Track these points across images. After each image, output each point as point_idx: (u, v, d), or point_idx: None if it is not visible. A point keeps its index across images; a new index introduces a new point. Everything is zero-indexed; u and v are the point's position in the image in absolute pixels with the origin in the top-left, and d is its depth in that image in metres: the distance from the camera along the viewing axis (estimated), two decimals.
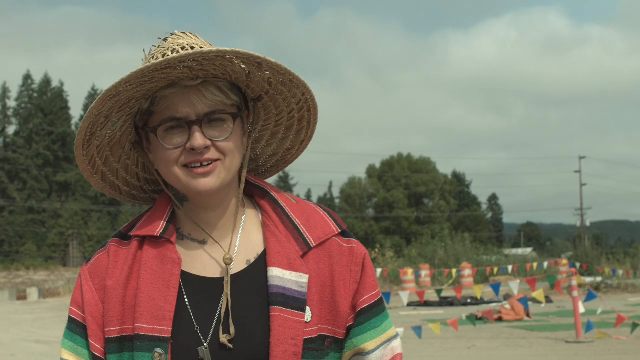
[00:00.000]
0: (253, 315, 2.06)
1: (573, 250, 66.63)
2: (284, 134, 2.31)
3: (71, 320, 2.18)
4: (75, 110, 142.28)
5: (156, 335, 2.01)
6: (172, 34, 2.14)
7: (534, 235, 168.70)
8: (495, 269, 33.94)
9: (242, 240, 2.18)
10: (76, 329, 2.16)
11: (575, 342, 18.44)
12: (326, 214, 2.23)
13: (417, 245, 64.63)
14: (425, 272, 40.35)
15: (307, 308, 2.07)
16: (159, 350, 2.00)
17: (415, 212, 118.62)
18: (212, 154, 2.06)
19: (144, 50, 2.16)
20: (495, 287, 18.72)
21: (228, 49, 1.94)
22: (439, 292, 19.92)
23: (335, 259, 2.15)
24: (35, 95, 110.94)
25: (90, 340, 2.12)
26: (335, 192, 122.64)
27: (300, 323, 2.04)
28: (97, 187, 2.30)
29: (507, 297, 30.00)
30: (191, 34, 2.15)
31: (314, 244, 2.14)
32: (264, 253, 2.14)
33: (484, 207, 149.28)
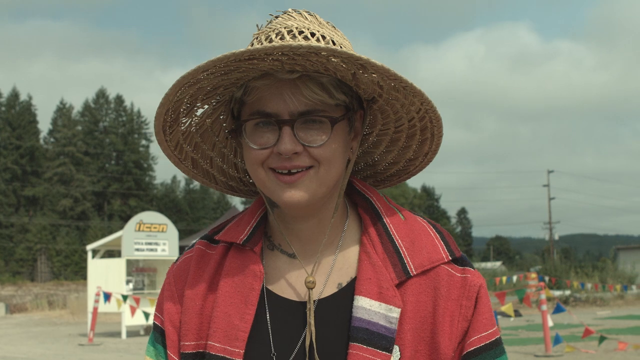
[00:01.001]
0: (330, 351, 1.80)
1: (542, 263, 66.78)
2: (405, 142, 1.98)
3: (154, 327, 2.00)
4: (44, 124, 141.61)
5: (227, 357, 1.81)
6: (285, 12, 1.86)
7: (503, 249, 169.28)
8: None
9: (339, 258, 1.90)
10: (158, 336, 1.98)
11: (544, 356, 18.47)
12: (438, 236, 1.90)
13: None
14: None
15: (396, 347, 1.77)
16: None
17: None
18: (303, 160, 1.78)
19: (257, 26, 1.88)
20: None
21: (322, 45, 1.65)
22: None
23: (442, 291, 1.81)
24: (3, 108, 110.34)
25: (168, 352, 1.94)
26: None
27: None
28: (187, 174, 2.05)
29: None
30: (308, 13, 1.86)
31: (415, 272, 1.82)
32: (355, 278, 1.86)
33: (453, 220, 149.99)
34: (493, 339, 1.84)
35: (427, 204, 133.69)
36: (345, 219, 1.94)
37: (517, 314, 33.02)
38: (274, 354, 1.82)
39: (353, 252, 1.90)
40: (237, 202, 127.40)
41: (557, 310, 18.87)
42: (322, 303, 1.84)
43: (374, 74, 1.74)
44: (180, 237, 30.82)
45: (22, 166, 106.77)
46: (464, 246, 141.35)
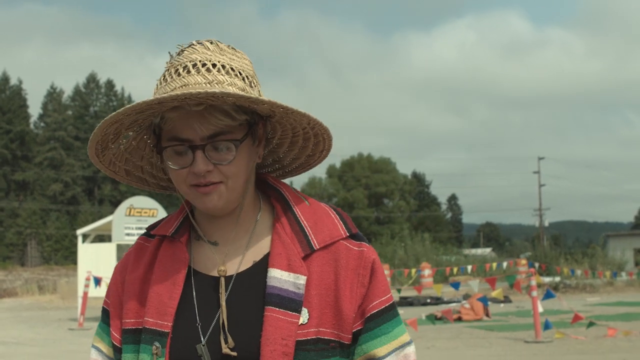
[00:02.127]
0: (249, 315, 2.09)
1: (532, 250, 67.04)
2: (303, 144, 2.32)
3: (102, 310, 2.35)
4: (34, 109, 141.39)
5: (157, 329, 2.11)
6: (190, 44, 2.16)
7: (493, 236, 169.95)
8: (455, 269, 34.08)
9: (253, 240, 2.22)
10: (104, 317, 2.32)
11: (534, 341, 18.51)
12: (337, 216, 2.24)
13: (376, 245, 64.72)
14: (385, 272, 40.38)
15: (304, 310, 2.07)
16: (156, 343, 2.09)
17: (375, 212, 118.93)
18: (215, 176, 2.10)
19: (169, 53, 2.19)
20: (455, 285, 18.79)
21: (217, 90, 1.97)
22: (398, 291, 19.95)
23: (341, 262, 2.14)
24: None
25: (111, 330, 2.26)
26: None
27: (293, 324, 2.05)
28: (122, 181, 2.39)
29: (466, 296, 30.12)
30: (210, 43, 2.16)
31: (318, 246, 2.14)
32: (269, 254, 2.17)
33: (444, 207, 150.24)
34: (390, 302, 2.18)
35: (418, 190, 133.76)
36: (258, 209, 2.28)
37: (507, 300, 33.11)
38: (199, 324, 2.10)
39: (266, 234, 2.22)
40: None
41: (547, 296, 18.93)
42: (239, 276, 2.15)
43: (264, 104, 2.06)
44: None
45: (12, 151, 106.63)
46: (454, 232, 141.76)
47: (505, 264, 36.63)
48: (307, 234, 2.16)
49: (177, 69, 2.11)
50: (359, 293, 2.12)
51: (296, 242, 2.15)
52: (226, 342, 2.05)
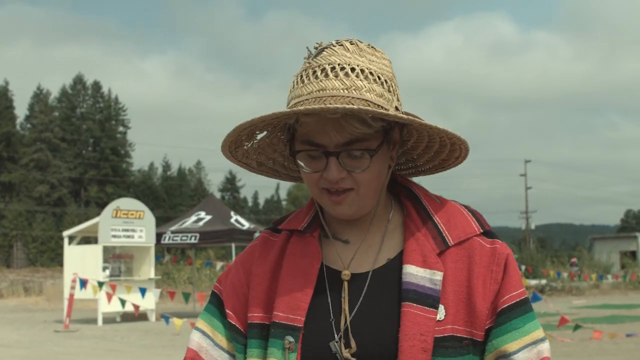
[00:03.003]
0: (386, 311, 2.06)
1: (518, 253, 67.16)
2: (439, 149, 2.27)
3: (212, 295, 2.31)
4: (20, 110, 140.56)
5: (289, 323, 2.08)
6: (330, 45, 2.12)
7: None
8: None
9: (386, 240, 2.19)
10: (214, 300, 2.29)
11: None
12: (470, 214, 2.21)
13: None
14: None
15: (441, 306, 2.05)
16: (289, 338, 2.07)
17: None
18: (346, 183, 2.07)
19: (307, 48, 2.16)
20: None
21: (355, 107, 1.92)
22: None
23: (475, 259, 2.11)
24: None
25: (227, 311, 2.23)
26: (282, 194, 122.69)
27: (431, 320, 2.02)
28: (254, 172, 2.38)
29: None
30: (350, 43, 2.12)
31: (452, 243, 2.11)
32: (403, 252, 2.14)
33: None
34: (522, 297, 2.11)
35: None
36: (390, 208, 2.24)
37: None
38: (332, 320, 2.08)
39: (398, 232, 2.19)
40: (214, 190, 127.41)
41: (534, 299, 18.91)
42: (375, 273, 2.13)
43: (402, 120, 2.03)
44: (157, 224, 30.70)
45: None
46: None
47: None
48: (441, 230, 2.14)
49: (315, 71, 2.08)
50: (492, 289, 2.09)
51: (430, 238, 2.12)
52: (347, 347, 2.04)
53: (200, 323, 2.27)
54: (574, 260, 55.96)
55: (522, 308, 2.11)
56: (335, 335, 2.06)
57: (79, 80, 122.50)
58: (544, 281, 44.61)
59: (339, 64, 2.06)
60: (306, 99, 2.03)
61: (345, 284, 2.11)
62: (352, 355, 2.03)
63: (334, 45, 2.11)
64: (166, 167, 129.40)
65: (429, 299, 2.03)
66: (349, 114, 1.99)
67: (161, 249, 39.54)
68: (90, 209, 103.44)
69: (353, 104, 1.96)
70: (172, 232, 29.83)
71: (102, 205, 69.31)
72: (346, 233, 2.21)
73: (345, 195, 2.08)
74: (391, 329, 2.03)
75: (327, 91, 2.02)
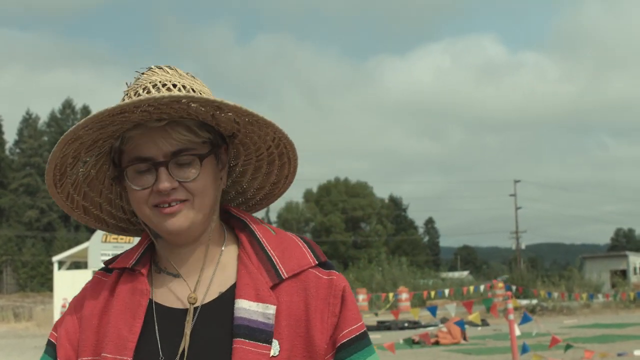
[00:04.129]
0: (217, 348, 2.00)
1: (509, 273, 67.21)
2: (267, 169, 2.25)
3: (47, 344, 2.22)
4: (9, 135, 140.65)
5: None
6: (149, 68, 2.12)
7: (471, 259, 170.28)
8: (433, 293, 34.07)
9: (219, 272, 2.13)
10: (50, 350, 2.19)
11: None
12: (305, 245, 2.16)
13: (354, 269, 64.96)
14: (362, 297, 40.48)
15: (275, 341, 1.99)
16: None
17: (352, 236, 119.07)
18: (180, 194, 2.03)
19: (126, 84, 2.14)
20: (432, 310, 18.79)
21: (182, 94, 1.93)
22: (376, 315, 19.91)
23: (311, 292, 2.06)
24: None
25: (58, 356, 2.14)
26: (273, 217, 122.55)
27: (264, 356, 1.96)
28: (80, 220, 2.30)
29: (444, 320, 30.14)
30: (169, 68, 2.12)
31: (286, 276, 2.06)
32: (235, 285, 2.09)
33: (421, 230, 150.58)
34: (362, 331, 2.11)
35: (395, 214, 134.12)
36: (223, 240, 2.20)
37: (485, 323, 33.14)
38: (161, 358, 2.01)
39: (232, 265, 2.14)
40: None
41: (524, 319, 18.95)
42: (205, 308, 2.07)
43: (229, 112, 2.02)
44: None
45: None
46: (432, 256, 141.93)
47: (482, 287, 36.72)
48: (275, 263, 2.08)
49: (137, 91, 2.05)
50: (330, 323, 2.05)
51: (263, 271, 2.07)
52: None
53: None
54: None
55: (362, 342, 2.10)
56: None
57: (68, 105, 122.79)
58: (534, 301, 44.62)
59: (160, 82, 2.05)
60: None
61: (191, 308, 2.06)
62: None
63: (153, 69, 2.11)
64: None
65: (262, 334, 1.98)
66: (174, 122, 2.00)
67: None
68: (80, 233, 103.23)
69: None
70: None
71: (91, 230, 69.18)
72: (178, 266, 2.15)
73: (179, 207, 2.03)
74: None
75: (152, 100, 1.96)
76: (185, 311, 2.07)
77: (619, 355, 19.26)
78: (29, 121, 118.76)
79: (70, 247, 52.56)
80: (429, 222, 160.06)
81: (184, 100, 1.94)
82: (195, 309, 2.06)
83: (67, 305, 2.33)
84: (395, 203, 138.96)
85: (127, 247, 26.42)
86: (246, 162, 2.26)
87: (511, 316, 18.97)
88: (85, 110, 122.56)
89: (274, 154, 2.20)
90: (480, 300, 20.50)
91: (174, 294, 2.11)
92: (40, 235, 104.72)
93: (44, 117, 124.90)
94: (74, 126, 1.96)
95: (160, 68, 2.11)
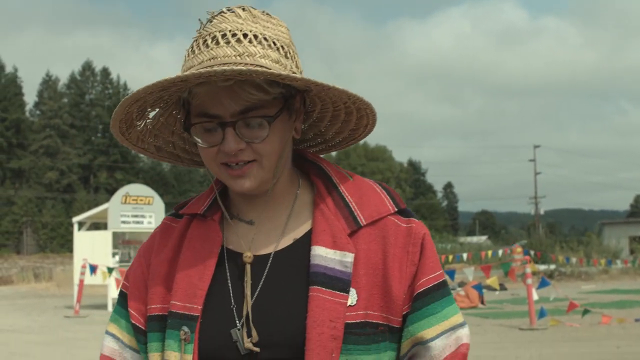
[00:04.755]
0: (291, 296, 1.92)
1: (527, 238, 67.10)
2: (345, 117, 2.13)
3: (119, 294, 2.18)
4: (30, 97, 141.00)
5: (186, 313, 1.94)
6: (219, 13, 1.99)
7: (489, 224, 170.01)
8: (450, 257, 34.05)
9: (293, 218, 2.05)
10: (121, 300, 2.15)
11: (529, 329, 18.56)
12: (384, 191, 2.06)
13: None
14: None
15: (352, 290, 1.90)
16: (185, 328, 1.93)
17: None
18: (247, 155, 1.93)
19: (199, 20, 2.01)
20: (450, 274, 18.82)
21: (244, 68, 1.79)
22: None
23: (390, 239, 1.96)
24: None
25: (130, 310, 2.10)
26: None
27: (341, 305, 1.88)
28: (154, 158, 2.24)
29: (462, 284, 30.17)
30: (242, 9, 1.98)
31: (364, 222, 1.97)
32: (311, 232, 2.00)
33: (440, 195, 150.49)
34: (440, 280, 1.99)
35: (414, 179, 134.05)
36: (297, 186, 2.11)
37: (502, 287, 33.16)
38: (233, 306, 1.95)
39: (307, 211, 2.06)
40: None
41: (542, 284, 18.97)
42: (277, 255, 2.00)
43: (297, 81, 1.90)
44: (167, 210, 30.72)
45: (7, 139, 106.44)
46: (450, 220, 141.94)
47: (500, 252, 36.66)
48: (353, 209, 1.99)
49: (206, 40, 1.94)
50: (408, 272, 1.96)
51: (341, 218, 1.98)
52: (249, 336, 1.89)
53: (110, 326, 2.15)
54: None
55: (440, 291, 1.98)
56: (237, 323, 1.92)
57: (87, 67, 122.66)
58: (552, 266, 44.57)
59: (230, 31, 1.93)
60: (197, 70, 1.87)
61: (248, 268, 1.98)
62: (255, 344, 1.89)
63: (225, 12, 1.98)
64: None
65: (340, 282, 1.90)
66: (242, 80, 1.87)
67: None
68: (100, 195, 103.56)
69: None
70: None
71: (111, 192, 69.31)
72: (250, 213, 2.07)
73: (247, 168, 1.94)
74: (298, 315, 1.89)
75: (219, 59, 1.89)
76: (258, 258, 1.99)
77: (637, 320, 19.24)
78: (48, 83, 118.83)
79: (89, 208, 52.77)
80: (448, 186, 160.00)
81: (245, 72, 1.81)
82: (267, 256, 1.99)
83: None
84: (414, 167, 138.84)
85: (148, 209, 26.26)
86: (323, 110, 2.14)
87: (529, 280, 19.03)
88: (105, 72, 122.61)
89: (352, 107, 2.07)
90: (498, 265, 20.52)
91: (247, 241, 2.03)
92: (60, 197, 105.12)
93: (63, 79, 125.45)
94: (135, 91, 1.89)
95: (232, 11, 1.98)
